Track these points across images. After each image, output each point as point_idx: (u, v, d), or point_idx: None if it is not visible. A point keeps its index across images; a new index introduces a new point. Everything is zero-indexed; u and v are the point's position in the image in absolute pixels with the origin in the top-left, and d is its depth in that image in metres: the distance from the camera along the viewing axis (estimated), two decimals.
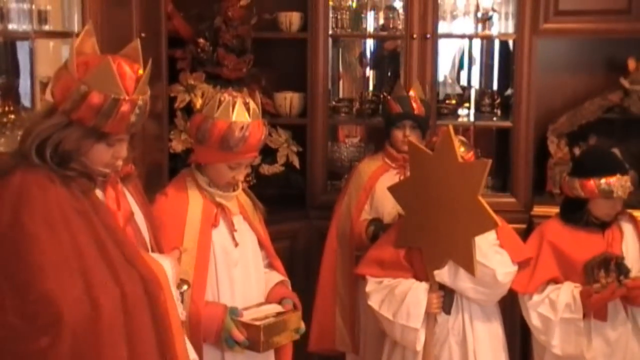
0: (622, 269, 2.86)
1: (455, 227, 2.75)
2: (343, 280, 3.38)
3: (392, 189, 3.02)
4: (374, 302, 2.93)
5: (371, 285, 2.95)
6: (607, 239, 2.95)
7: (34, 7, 2.61)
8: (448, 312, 2.89)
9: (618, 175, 2.89)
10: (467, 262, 2.75)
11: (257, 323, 2.36)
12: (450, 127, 2.76)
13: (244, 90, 2.82)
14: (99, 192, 1.93)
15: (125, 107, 1.83)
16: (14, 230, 1.74)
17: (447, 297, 2.87)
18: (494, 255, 2.85)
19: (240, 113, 2.37)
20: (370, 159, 3.52)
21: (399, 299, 2.85)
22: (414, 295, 2.83)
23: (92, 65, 1.82)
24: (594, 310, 2.89)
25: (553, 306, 2.91)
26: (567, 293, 2.90)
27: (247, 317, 2.40)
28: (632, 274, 2.89)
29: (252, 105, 2.41)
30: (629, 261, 2.92)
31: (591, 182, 2.88)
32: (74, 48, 1.85)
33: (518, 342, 3.58)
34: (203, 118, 2.39)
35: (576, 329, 2.90)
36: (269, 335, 2.39)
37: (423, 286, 2.84)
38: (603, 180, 2.88)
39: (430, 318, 2.83)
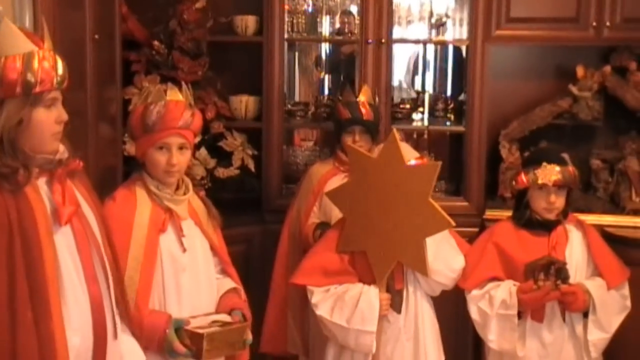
0: (561, 274, 2.90)
1: (405, 229, 2.75)
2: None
3: (331, 195, 2.98)
4: (323, 311, 2.88)
5: (317, 295, 2.91)
6: (551, 242, 2.99)
7: None
8: (399, 311, 2.92)
9: (544, 164, 2.97)
10: (419, 263, 2.78)
11: (201, 331, 2.35)
12: (395, 131, 2.79)
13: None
14: (44, 188, 1.89)
15: (43, 59, 1.82)
16: None
17: (397, 296, 2.90)
18: (453, 242, 2.96)
19: (157, 96, 2.43)
20: (321, 163, 3.57)
21: (350, 305, 2.84)
22: (367, 299, 2.83)
23: None
24: (528, 309, 2.93)
25: (491, 301, 2.96)
26: (505, 290, 2.95)
27: (192, 325, 2.39)
28: (575, 280, 2.94)
29: (170, 89, 2.47)
30: (572, 267, 2.96)
31: (522, 174, 3.01)
32: None
33: (470, 336, 3.59)
34: (130, 114, 2.50)
35: (511, 326, 2.94)
36: (212, 345, 2.37)
37: (373, 290, 2.85)
38: (532, 171, 2.98)
39: (380, 320, 2.85)
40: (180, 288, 2.46)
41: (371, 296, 2.83)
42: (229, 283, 2.62)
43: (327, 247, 2.94)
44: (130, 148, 3.54)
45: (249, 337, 2.51)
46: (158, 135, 2.42)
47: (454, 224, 2.75)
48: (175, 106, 2.43)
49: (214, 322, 2.44)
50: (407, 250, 2.79)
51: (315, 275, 2.91)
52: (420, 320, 2.97)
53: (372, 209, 2.81)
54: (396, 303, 2.90)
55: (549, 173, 2.96)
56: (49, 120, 1.86)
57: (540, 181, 2.96)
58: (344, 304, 2.84)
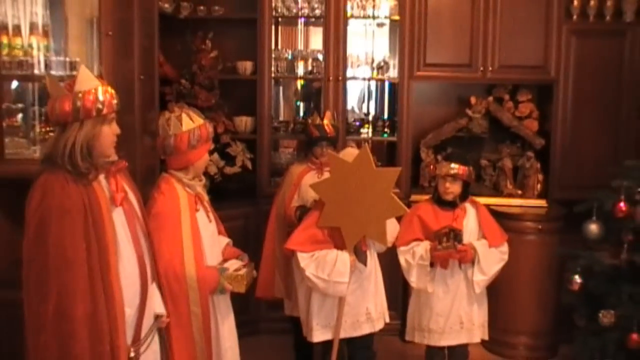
0: (458, 238, 3.02)
1: (371, 213, 2.78)
2: (279, 246, 3.39)
3: (315, 187, 2.92)
4: (312, 269, 2.83)
5: (305, 260, 2.85)
6: (454, 216, 3.10)
7: (67, 59, 2.72)
8: (366, 265, 2.98)
9: (443, 162, 3.12)
10: (381, 237, 2.87)
11: (241, 273, 2.46)
12: (366, 146, 2.83)
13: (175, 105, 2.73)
14: (103, 181, 1.94)
15: (107, 90, 1.92)
16: (40, 210, 1.84)
17: (363, 255, 2.95)
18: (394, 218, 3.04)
19: (197, 118, 2.49)
20: (298, 164, 3.60)
21: (330, 264, 2.84)
22: (342, 260, 2.85)
23: (73, 80, 1.90)
24: (438, 261, 3.06)
25: (413, 255, 3.09)
26: (422, 248, 3.08)
27: (231, 270, 2.47)
28: (468, 240, 3.07)
29: (193, 111, 2.54)
30: (467, 232, 3.09)
31: (431, 166, 3.18)
32: (59, 84, 1.93)
33: (400, 280, 3.61)
34: (187, 132, 2.45)
35: (425, 272, 3.08)
36: (248, 280, 2.50)
37: (345, 254, 2.87)
38: (437, 166, 3.15)
39: (350, 274, 2.89)
40: (212, 247, 2.53)
41: (344, 258, 2.86)
42: (224, 239, 2.69)
43: (311, 224, 2.92)
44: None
45: (255, 273, 2.64)
46: (210, 142, 2.56)
47: (407, 210, 2.86)
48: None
49: (237, 266, 2.52)
50: (372, 227, 2.83)
51: (304, 244, 2.89)
52: (377, 269, 3.09)
53: (346, 198, 2.81)
54: (363, 260, 2.95)
55: (443, 168, 3.09)
56: (110, 134, 1.96)
57: (437, 172, 3.13)
58: (326, 264, 2.84)
